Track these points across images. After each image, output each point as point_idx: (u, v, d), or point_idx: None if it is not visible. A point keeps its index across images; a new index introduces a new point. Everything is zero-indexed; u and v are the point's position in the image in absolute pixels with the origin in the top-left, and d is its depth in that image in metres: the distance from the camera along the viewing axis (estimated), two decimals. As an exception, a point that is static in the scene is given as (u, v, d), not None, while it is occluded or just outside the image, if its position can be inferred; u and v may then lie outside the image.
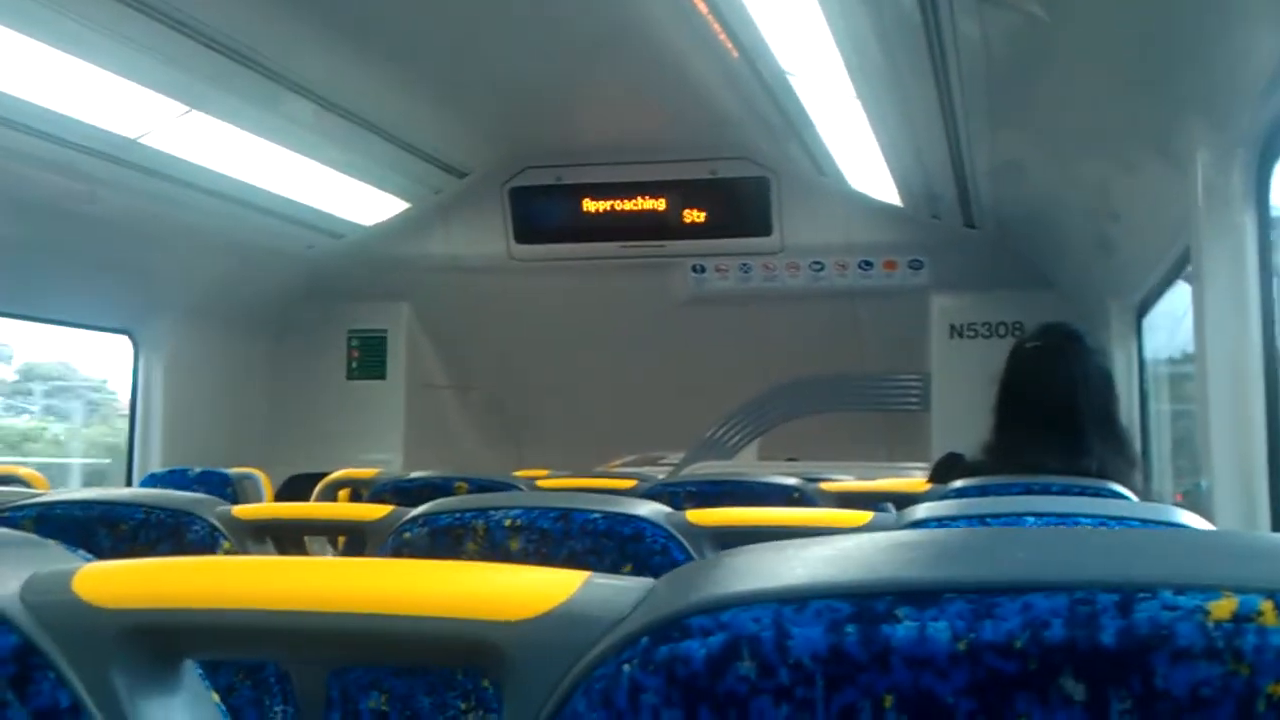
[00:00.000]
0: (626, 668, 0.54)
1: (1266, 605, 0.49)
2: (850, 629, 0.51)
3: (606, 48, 4.85)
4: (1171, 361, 5.21)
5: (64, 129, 4.50)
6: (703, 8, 4.08)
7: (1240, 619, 0.48)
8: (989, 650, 0.50)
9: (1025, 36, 3.51)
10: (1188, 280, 3.69)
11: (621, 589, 0.61)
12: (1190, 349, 3.64)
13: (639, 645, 0.54)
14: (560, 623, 0.60)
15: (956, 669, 0.50)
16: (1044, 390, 2.71)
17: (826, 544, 0.59)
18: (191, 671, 0.67)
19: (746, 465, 6.55)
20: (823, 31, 3.94)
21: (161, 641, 0.65)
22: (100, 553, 1.78)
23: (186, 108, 4.66)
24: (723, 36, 4.32)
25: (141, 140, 4.79)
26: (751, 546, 0.62)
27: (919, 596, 0.51)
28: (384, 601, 0.63)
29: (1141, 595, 0.50)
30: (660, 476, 4.00)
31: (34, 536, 0.79)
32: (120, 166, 4.89)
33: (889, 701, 0.50)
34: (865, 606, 0.51)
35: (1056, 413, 2.67)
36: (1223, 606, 0.49)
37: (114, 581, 0.67)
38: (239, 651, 0.66)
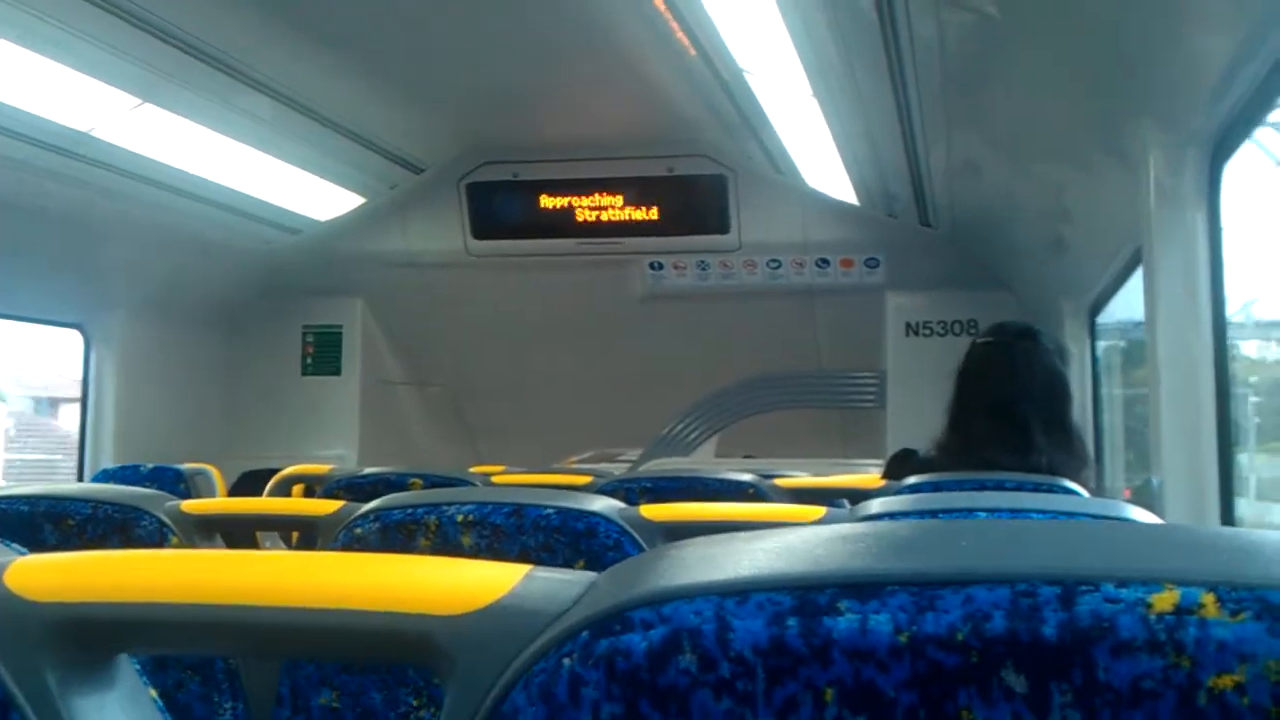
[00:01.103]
0: (566, 661, 0.53)
1: (1208, 598, 0.49)
2: (791, 621, 0.51)
3: (565, 44, 4.85)
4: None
5: (12, 121, 4.43)
6: (660, 5, 4.08)
7: (1182, 611, 0.48)
8: (930, 643, 0.49)
9: (980, 37, 3.53)
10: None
11: (563, 582, 0.60)
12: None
13: (579, 639, 0.54)
14: (501, 616, 0.59)
15: (898, 662, 0.49)
16: (993, 386, 2.73)
17: (771, 537, 0.59)
18: (127, 666, 0.66)
19: (703, 462, 6.56)
20: (780, 30, 3.95)
21: (94, 636, 0.64)
22: (45, 548, 1.76)
23: (139, 100, 4.61)
24: (680, 34, 4.32)
25: (92, 133, 4.73)
26: (696, 539, 0.62)
27: (861, 589, 0.51)
28: (322, 595, 0.62)
29: (1083, 588, 0.49)
30: (617, 473, 4.00)
31: (-34, 531, 0.78)
32: (71, 159, 4.83)
33: (830, 695, 0.50)
34: (807, 599, 0.51)
35: (1007, 408, 2.69)
36: (1164, 599, 0.49)
37: (46, 574, 0.66)
38: (174, 646, 0.64)
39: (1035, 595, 0.49)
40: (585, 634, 0.54)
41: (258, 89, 4.81)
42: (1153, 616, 0.48)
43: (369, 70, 5.06)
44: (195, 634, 0.64)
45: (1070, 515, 1.52)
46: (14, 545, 0.74)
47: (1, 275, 5.38)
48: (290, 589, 0.63)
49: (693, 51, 4.49)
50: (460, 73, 5.22)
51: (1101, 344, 5.28)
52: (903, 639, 0.49)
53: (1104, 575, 0.50)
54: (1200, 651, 0.48)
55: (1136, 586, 0.49)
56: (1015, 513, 1.54)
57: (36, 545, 1.77)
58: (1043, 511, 1.54)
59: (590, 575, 0.61)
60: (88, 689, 0.63)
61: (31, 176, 4.81)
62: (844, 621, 0.50)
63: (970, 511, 1.55)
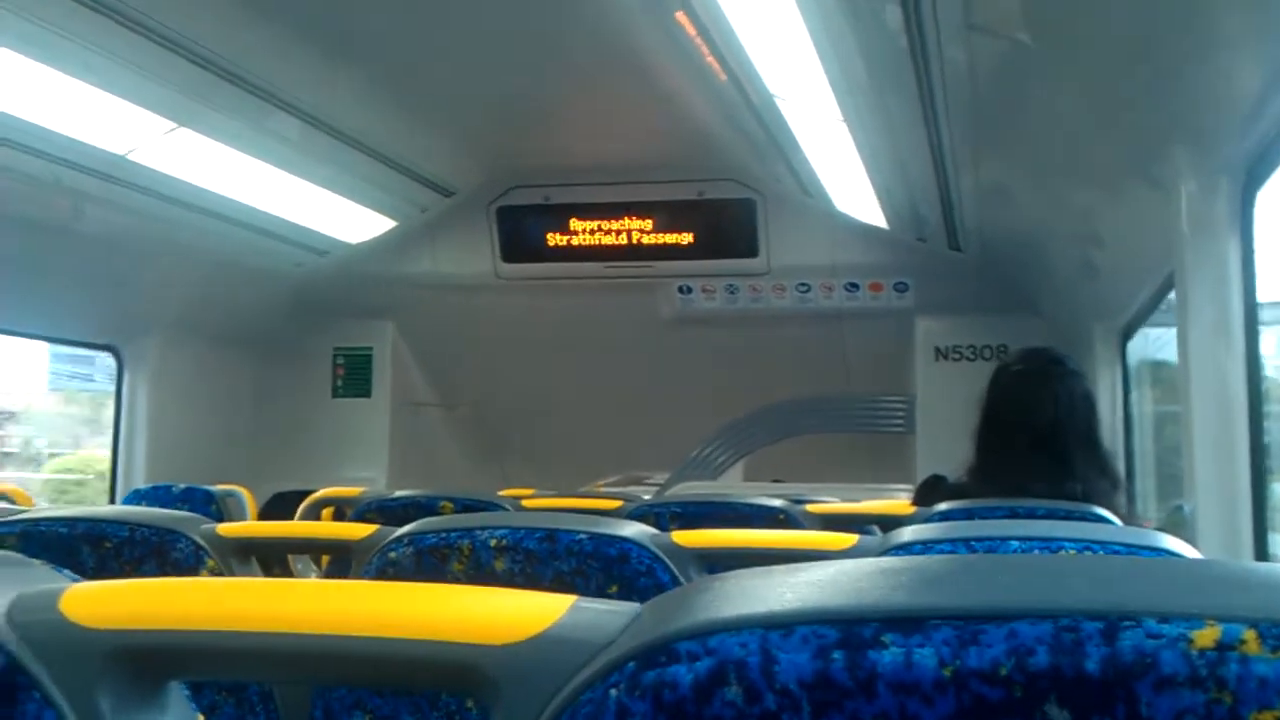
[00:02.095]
0: (613, 692, 0.54)
1: (1249, 634, 0.49)
2: (837, 655, 0.51)
3: (596, 70, 4.87)
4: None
5: (51, 145, 4.49)
6: (692, 31, 4.10)
7: (1224, 647, 0.49)
8: (974, 677, 0.50)
9: (1011, 63, 3.53)
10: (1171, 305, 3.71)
11: (608, 613, 0.61)
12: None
13: (626, 670, 0.54)
14: (547, 647, 0.60)
15: (942, 696, 0.50)
16: (1030, 414, 2.72)
17: (814, 569, 0.60)
18: (177, 692, 0.67)
19: (732, 486, 6.56)
20: (810, 56, 3.96)
21: (148, 662, 0.65)
22: (84, 570, 1.79)
23: (174, 124, 4.66)
24: (711, 60, 4.34)
25: (129, 157, 4.79)
26: (738, 571, 0.63)
27: (905, 623, 0.51)
28: (371, 624, 0.63)
29: (1126, 623, 0.50)
30: (646, 497, 4.00)
31: (19, 556, 0.79)
32: (107, 183, 4.89)
33: (875, 728, 0.50)
34: (852, 633, 0.52)
35: (1042, 436, 2.68)
36: (1206, 635, 0.49)
37: (101, 602, 0.67)
38: (226, 673, 0.66)
39: (1078, 630, 0.50)
40: (632, 665, 0.54)
41: (290, 112, 4.86)
42: (1194, 652, 0.49)
43: (400, 94, 5.10)
44: (248, 661, 0.65)
45: (1105, 545, 1.52)
46: (65, 570, 0.75)
47: (37, 297, 5.44)
48: (341, 617, 0.64)
49: (723, 76, 4.50)
50: (491, 96, 5.25)
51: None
52: (947, 673, 0.50)
53: (1146, 611, 0.50)
54: (1242, 687, 0.48)
55: (1178, 622, 0.50)
56: (1048, 542, 1.54)
57: (75, 567, 1.78)
58: (1077, 541, 1.53)
59: (635, 606, 0.62)
60: (141, 714, 0.64)
61: (68, 200, 4.87)
62: (888, 655, 0.51)
63: (1004, 541, 1.55)
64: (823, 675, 0.51)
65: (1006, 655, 0.50)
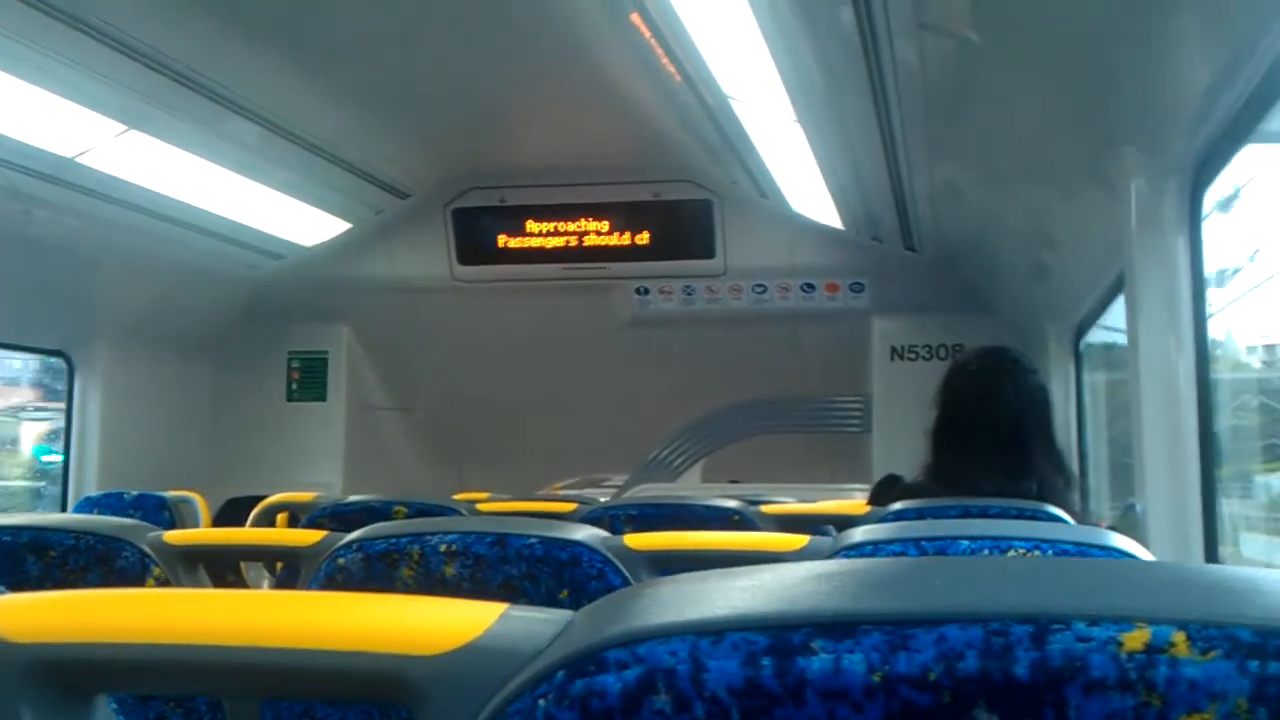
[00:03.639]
0: (541, 702, 0.53)
1: (1179, 636, 0.49)
2: (766, 661, 0.51)
3: (551, 71, 4.86)
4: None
5: (-1, 148, 4.44)
6: (646, 32, 4.10)
7: (1153, 650, 0.49)
8: (903, 682, 0.49)
9: (962, 62, 3.55)
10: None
11: (540, 621, 0.60)
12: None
13: (554, 679, 0.54)
14: (477, 656, 0.59)
15: (871, 702, 0.50)
16: (987, 412, 2.73)
17: (748, 574, 0.59)
18: (105, 707, 0.66)
19: (689, 488, 6.56)
20: (764, 57, 3.97)
21: (72, 676, 0.64)
22: (28, 579, 1.76)
23: (125, 127, 4.61)
24: (665, 61, 4.34)
25: (79, 159, 4.73)
26: (674, 577, 0.62)
27: (835, 628, 0.51)
28: (298, 635, 0.62)
29: (1055, 626, 0.50)
30: (603, 499, 4.00)
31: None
32: (57, 186, 4.83)
33: (804, 735, 0.50)
34: (781, 639, 0.51)
35: (999, 433, 2.70)
36: (1135, 637, 0.49)
37: (26, 614, 0.65)
38: (151, 686, 0.65)
39: (1008, 634, 0.50)
40: (560, 674, 0.54)
41: (243, 115, 4.82)
42: (1124, 655, 0.49)
43: (355, 96, 5.07)
44: (172, 674, 0.64)
45: (1055, 544, 1.53)
46: (-8, 582, 0.74)
47: (-15, 302, 5.37)
48: (268, 629, 0.63)
49: (678, 78, 4.51)
50: (446, 99, 5.23)
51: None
52: (876, 678, 0.50)
53: (1076, 613, 0.50)
54: (1171, 690, 0.48)
55: (1108, 625, 0.49)
56: (998, 541, 1.55)
57: (19, 575, 1.77)
58: (1027, 540, 1.54)
59: (567, 614, 0.61)
60: (65, 729, 0.63)
61: (16, 203, 4.81)
62: (818, 661, 0.50)
63: (954, 540, 1.55)
64: (752, 682, 0.51)
65: (936, 660, 0.50)
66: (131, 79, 4.26)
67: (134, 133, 4.67)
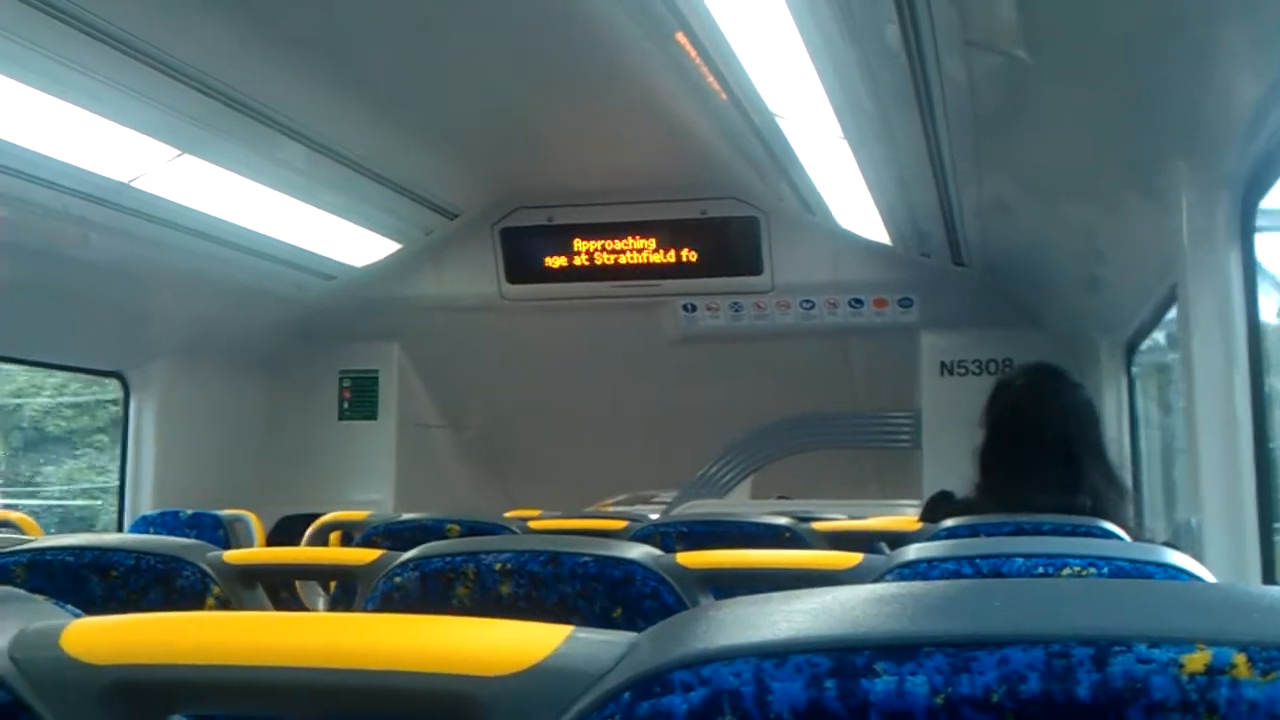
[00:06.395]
0: (609, 723, 0.54)
1: (1240, 658, 0.49)
2: (829, 683, 0.51)
3: (597, 91, 4.89)
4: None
5: (57, 173, 4.51)
6: (692, 52, 4.11)
7: (1214, 671, 0.49)
8: (966, 704, 0.50)
9: (1009, 79, 3.54)
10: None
11: (605, 643, 0.61)
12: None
13: (621, 700, 0.55)
14: (544, 678, 0.60)
15: (934, 723, 0.50)
16: (1036, 427, 2.72)
17: (808, 597, 0.60)
18: (178, 727, 0.68)
19: (738, 504, 6.55)
20: (810, 75, 3.97)
21: (147, 697, 0.65)
22: (91, 599, 1.79)
23: (178, 152, 4.68)
24: (712, 80, 4.35)
25: (133, 184, 4.80)
26: (735, 599, 0.63)
27: (897, 651, 0.52)
28: (368, 656, 0.63)
29: (1116, 648, 0.50)
30: (652, 516, 4.00)
31: (22, 592, 0.80)
32: (113, 210, 4.91)
33: (868, 756, 0.51)
34: (844, 661, 0.52)
35: (1049, 449, 2.68)
36: (1196, 659, 0.49)
37: (101, 637, 0.67)
38: (224, 706, 0.66)
39: (1069, 656, 0.50)
40: (627, 696, 0.55)
41: (293, 138, 4.88)
42: (1185, 677, 0.49)
43: (403, 118, 5.11)
44: (245, 695, 0.65)
45: (1110, 561, 1.52)
46: (68, 606, 0.76)
47: (44, 324, 5.45)
48: (338, 650, 0.64)
49: (724, 96, 4.51)
50: (494, 121, 5.27)
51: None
52: (939, 700, 0.50)
53: (1137, 635, 0.50)
54: (1232, 711, 0.48)
55: (1169, 647, 0.50)
56: (1052, 559, 1.54)
57: (82, 595, 1.79)
58: (1081, 558, 1.53)
59: (631, 636, 0.62)
60: (141, 749, 0.64)
61: (74, 227, 4.89)
62: (881, 683, 0.51)
63: (1008, 558, 1.54)
64: (816, 704, 0.51)
65: (998, 682, 0.50)
66: (184, 104, 4.32)
67: (187, 157, 4.74)
